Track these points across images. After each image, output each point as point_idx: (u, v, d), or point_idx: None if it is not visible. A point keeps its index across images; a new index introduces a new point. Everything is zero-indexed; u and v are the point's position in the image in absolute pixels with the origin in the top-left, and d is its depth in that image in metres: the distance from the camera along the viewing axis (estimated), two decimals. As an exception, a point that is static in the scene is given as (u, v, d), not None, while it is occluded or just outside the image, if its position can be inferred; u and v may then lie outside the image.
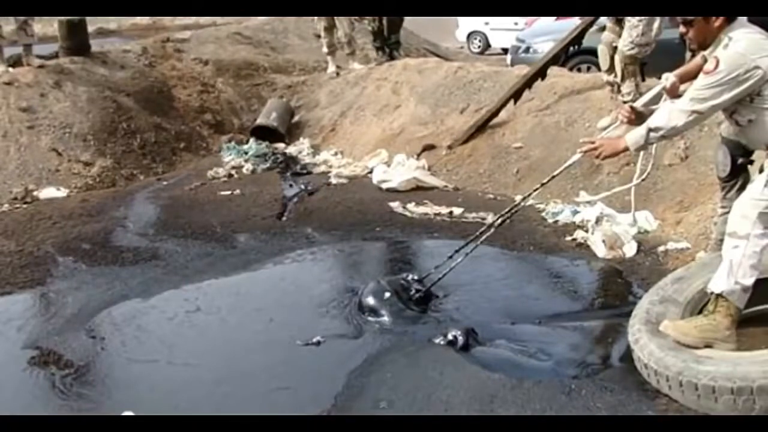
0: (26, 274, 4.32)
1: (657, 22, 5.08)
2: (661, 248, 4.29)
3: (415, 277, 3.79)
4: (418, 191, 5.71)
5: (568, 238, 4.58)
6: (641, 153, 3.87)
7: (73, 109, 6.73)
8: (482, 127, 6.19)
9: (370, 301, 3.62)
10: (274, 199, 5.72)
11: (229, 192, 5.91)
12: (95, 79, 7.24)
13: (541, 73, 6.17)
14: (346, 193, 5.84)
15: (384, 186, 5.83)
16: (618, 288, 3.95)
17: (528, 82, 6.16)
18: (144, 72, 7.84)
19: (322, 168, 6.60)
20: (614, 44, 5.32)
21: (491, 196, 5.57)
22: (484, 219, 4.89)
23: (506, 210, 3.97)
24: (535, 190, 3.88)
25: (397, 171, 5.99)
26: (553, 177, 3.70)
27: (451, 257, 3.78)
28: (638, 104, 3.52)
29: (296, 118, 7.81)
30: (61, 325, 3.64)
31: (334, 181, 6.16)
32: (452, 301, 3.75)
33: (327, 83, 8.21)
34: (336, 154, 6.93)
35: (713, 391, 2.57)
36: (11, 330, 3.64)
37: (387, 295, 3.61)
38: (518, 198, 4.63)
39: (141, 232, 5.05)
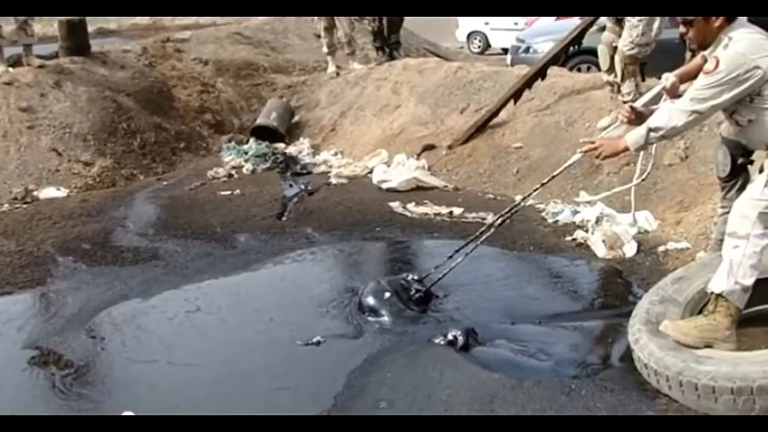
0: (26, 274, 4.32)
1: (657, 22, 5.08)
2: (661, 248, 4.29)
3: (415, 277, 3.79)
4: (418, 191, 5.71)
5: (568, 238, 4.58)
6: (641, 153, 3.87)
7: (73, 109, 6.73)
8: (482, 127, 6.19)
9: (370, 301, 3.62)
10: (274, 199, 5.71)
11: (229, 192, 5.91)
12: (95, 79, 7.24)
13: (541, 73, 6.17)
14: (346, 193, 5.84)
15: (384, 186, 5.83)
16: (618, 288, 3.95)
17: (528, 82, 6.16)
18: (144, 72, 7.84)
19: (322, 168, 6.60)
20: (614, 44, 5.31)
21: (491, 196, 5.57)
22: (484, 219, 4.89)
23: (506, 210, 3.97)
24: (535, 190, 3.88)
25: (397, 171, 5.98)
26: (553, 177, 3.70)
27: (451, 257, 3.78)
28: (638, 104, 3.52)
29: (296, 118, 7.80)
30: (61, 325, 3.64)
31: (334, 181, 6.16)
32: (452, 301, 3.75)
33: (327, 83, 8.21)
34: (336, 154, 6.93)
35: (713, 391, 2.57)
36: (11, 330, 3.64)
37: (387, 295, 3.61)
38: (518, 198, 4.62)
39: (141, 232, 5.04)
